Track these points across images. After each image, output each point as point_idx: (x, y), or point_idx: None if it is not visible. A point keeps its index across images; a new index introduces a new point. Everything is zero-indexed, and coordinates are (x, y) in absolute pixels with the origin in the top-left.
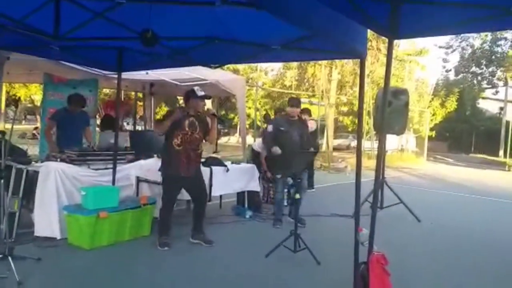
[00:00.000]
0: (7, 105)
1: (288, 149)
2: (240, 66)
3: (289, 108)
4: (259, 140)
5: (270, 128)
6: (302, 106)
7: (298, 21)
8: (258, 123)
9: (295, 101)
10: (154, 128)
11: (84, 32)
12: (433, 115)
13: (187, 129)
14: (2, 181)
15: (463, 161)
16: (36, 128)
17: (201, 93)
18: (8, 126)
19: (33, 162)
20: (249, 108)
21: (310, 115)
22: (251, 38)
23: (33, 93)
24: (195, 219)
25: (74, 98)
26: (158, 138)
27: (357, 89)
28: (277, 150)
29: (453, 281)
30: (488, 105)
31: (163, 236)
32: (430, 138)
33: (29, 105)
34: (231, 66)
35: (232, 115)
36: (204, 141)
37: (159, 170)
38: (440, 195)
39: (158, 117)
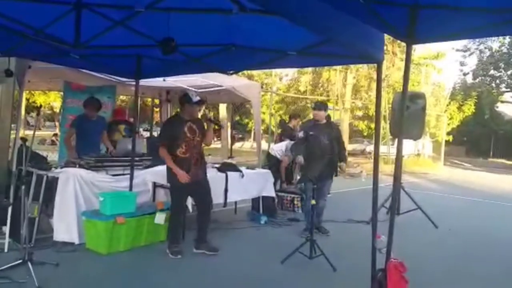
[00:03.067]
0: (27, 112)
1: (318, 155)
2: (254, 72)
3: (314, 112)
4: (277, 146)
5: (301, 134)
6: None
7: (315, 26)
8: (273, 128)
9: (320, 104)
10: (159, 150)
11: (103, 40)
12: (450, 119)
13: (188, 135)
14: (23, 187)
15: (481, 166)
16: (55, 135)
17: (196, 98)
18: (28, 132)
19: (52, 168)
20: (264, 113)
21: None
22: (267, 45)
23: (52, 100)
24: (198, 227)
25: (88, 101)
26: None
27: (372, 93)
28: (301, 160)
29: (472, 287)
30: (507, 108)
31: (173, 244)
32: (447, 142)
33: (48, 111)
34: (245, 71)
35: (246, 121)
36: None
37: (167, 179)
38: (458, 201)
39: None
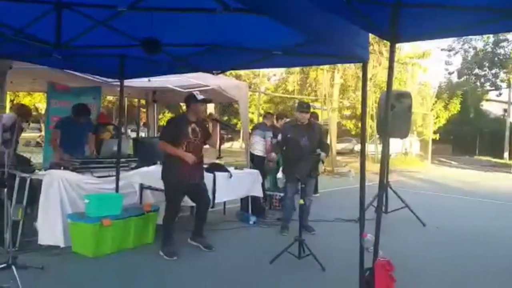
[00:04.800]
0: None
1: (296, 155)
2: (242, 72)
3: (298, 114)
4: (257, 142)
5: (279, 137)
6: None
7: (299, 26)
8: None
9: (304, 107)
10: (160, 143)
11: (86, 41)
12: (437, 118)
13: (191, 136)
14: (5, 190)
15: (467, 163)
16: (40, 136)
17: (200, 97)
18: None
19: (36, 171)
20: (252, 113)
21: (317, 119)
22: (253, 44)
23: (37, 101)
24: (196, 223)
25: (79, 109)
26: None
27: (359, 93)
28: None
29: (459, 285)
30: (492, 107)
31: (167, 246)
32: (434, 141)
33: (34, 113)
34: (233, 71)
35: (235, 121)
36: (204, 145)
37: (162, 178)
38: (445, 199)
39: (162, 123)
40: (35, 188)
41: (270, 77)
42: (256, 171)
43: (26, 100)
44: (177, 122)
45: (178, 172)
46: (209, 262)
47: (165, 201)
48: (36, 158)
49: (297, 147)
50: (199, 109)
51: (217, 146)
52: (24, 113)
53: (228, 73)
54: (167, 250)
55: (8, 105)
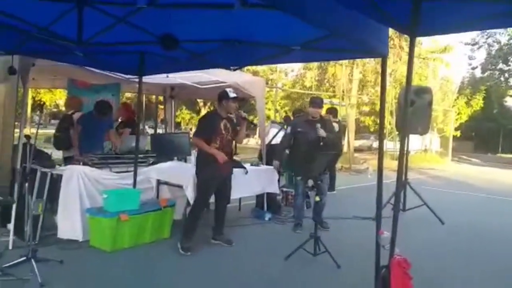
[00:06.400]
0: (32, 110)
1: (306, 151)
2: (259, 68)
3: (311, 109)
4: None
5: (288, 129)
6: (324, 106)
7: (317, 21)
8: None
9: (317, 102)
10: (194, 139)
11: (106, 38)
12: (458, 114)
13: (223, 132)
14: (27, 184)
15: (489, 161)
16: None
17: (233, 94)
18: (34, 130)
19: (57, 166)
20: (269, 109)
21: (336, 115)
22: (271, 40)
23: (58, 98)
24: (216, 219)
25: (103, 107)
26: (179, 141)
27: (379, 88)
28: (276, 165)
29: (478, 285)
30: None
31: (187, 238)
32: (455, 138)
33: (54, 109)
34: (250, 67)
35: (251, 117)
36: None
37: (196, 173)
38: (465, 197)
39: (179, 120)
40: (56, 183)
41: (287, 73)
42: (271, 168)
43: (47, 96)
44: (210, 119)
45: (212, 167)
46: (224, 258)
47: (196, 194)
48: (57, 153)
49: (307, 142)
50: (231, 106)
51: (242, 142)
52: (71, 105)
53: (245, 69)
54: (185, 244)
55: (30, 101)
